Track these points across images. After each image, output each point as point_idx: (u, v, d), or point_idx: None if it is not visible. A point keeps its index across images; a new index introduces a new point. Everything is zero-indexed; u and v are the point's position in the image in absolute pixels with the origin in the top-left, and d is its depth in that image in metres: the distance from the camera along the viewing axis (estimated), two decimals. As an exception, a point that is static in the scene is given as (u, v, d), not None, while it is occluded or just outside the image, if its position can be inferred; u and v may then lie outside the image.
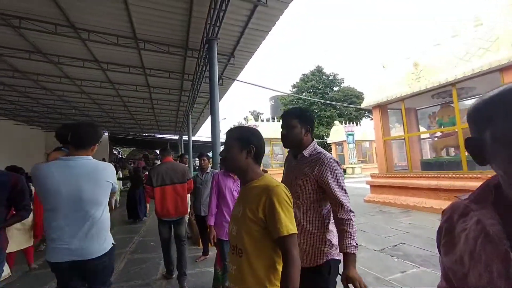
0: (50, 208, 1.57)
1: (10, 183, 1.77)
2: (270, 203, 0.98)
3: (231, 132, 1.15)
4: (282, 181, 1.65)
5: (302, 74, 32.12)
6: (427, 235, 4.37)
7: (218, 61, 4.91)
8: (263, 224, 0.99)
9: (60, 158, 1.66)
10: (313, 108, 28.22)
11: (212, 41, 4.75)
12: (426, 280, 2.85)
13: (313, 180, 1.41)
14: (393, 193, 7.28)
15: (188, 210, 3.89)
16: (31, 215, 3.27)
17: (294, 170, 1.52)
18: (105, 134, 19.21)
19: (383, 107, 8.30)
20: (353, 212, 1.37)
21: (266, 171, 2.45)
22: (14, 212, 1.92)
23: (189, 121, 10.80)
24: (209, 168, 4.00)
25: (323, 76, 31.11)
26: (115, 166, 9.10)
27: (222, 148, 1.22)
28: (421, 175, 6.80)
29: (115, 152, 22.49)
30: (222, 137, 3.08)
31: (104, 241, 1.65)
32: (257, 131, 1.17)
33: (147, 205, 7.39)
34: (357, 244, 1.30)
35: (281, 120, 1.59)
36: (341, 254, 1.42)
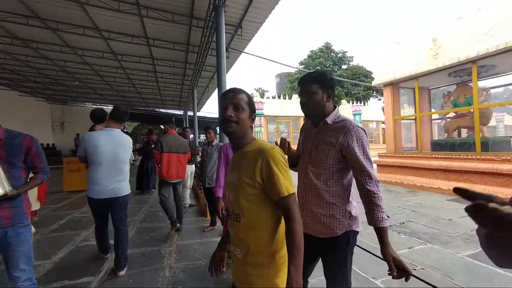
0: (97, 163, 2.45)
1: (24, 145, 1.69)
2: (267, 166, 0.96)
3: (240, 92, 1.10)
4: (298, 151, 1.57)
5: (310, 51, 30.87)
6: (435, 214, 4.36)
7: (225, 32, 4.65)
8: (260, 187, 0.98)
9: (104, 129, 2.54)
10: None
11: (219, 7, 4.44)
12: (433, 256, 2.86)
13: (337, 149, 1.31)
14: (401, 173, 7.22)
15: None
16: None
17: (314, 139, 1.42)
18: (109, 107, 19.12)
19: (395, 85, 7.98)
20: (380, 183, 1.29)
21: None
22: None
23: (194, 96, 10.58)
24: (215, 141, 3.95)
25: (332, 54, 29.87)
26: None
27: None
28: (431, 156, 6.67)
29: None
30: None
31: (127, 186, 2.65)
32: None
33: (156, 177, 7.49)
34: (388, 216, 1.24)
35: (299, 87, 1.46)
36: (359, 226, 1.38)
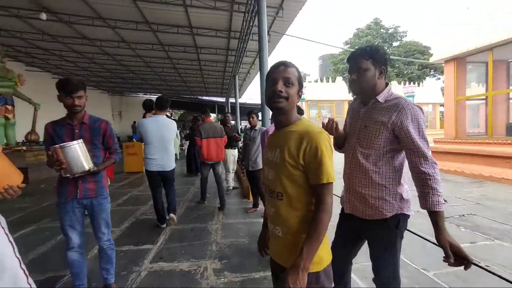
0: (149, 143, 3.26)
1: (102, 128, 1.98)
2: (313, 150, 0.93)
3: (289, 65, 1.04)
4: (345, 130, 1.51)
5: (356, 29, 28.56)
6: (508, 208, 3.81)
7: (266, 14, 4.56)
8: (303, 169, 0.96)
9: (152, 116, 3.38)
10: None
11: (261, -11, 4.35)
12: (502, 253, 2.54)
13: (389, 129, 1.23)
14: (462, 161, 6.41)
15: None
16: None
17: (363, 118, 1.34)
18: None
19: (459, 60, 6.96)
20: (437, 164, 1.18)
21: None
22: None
23: (235, 82, 10.77)
24: (258, 126, 4.01)
25: (381, 30, 27.09)
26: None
27: None
28: (506, 142, 5.74)
29: (167, 114, 24.24)
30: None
31: (172, 162, 3.42)
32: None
33: (200, 160, 8.02)
34: (445, 200, 1.14)
35: (348, 63, 1.37)
36: (411, 210, 1.29)
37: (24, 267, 1.41)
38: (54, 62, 11.20)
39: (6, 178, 1.24)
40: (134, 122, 17.45)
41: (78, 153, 1.69)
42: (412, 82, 19.08)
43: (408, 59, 20.86)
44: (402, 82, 19.20)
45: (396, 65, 24.41)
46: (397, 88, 18.10)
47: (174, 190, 3.56)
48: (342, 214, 1.46)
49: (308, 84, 18.07)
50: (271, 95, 0.99)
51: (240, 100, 13.34)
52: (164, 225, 3.49)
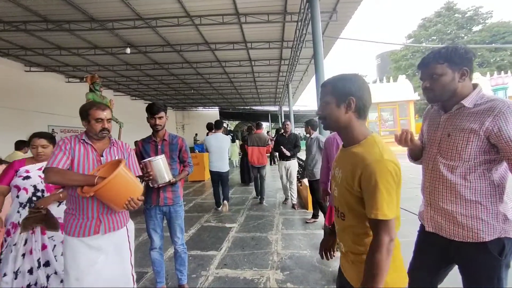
0: (211, 152, 4.73)
1: (179, 144, 2.24)
2: (367, 180, 0.85)
3: (325, 85, 1.00)
4: (421, 140, 1.35)
5: (422, 19, 25.56)
6: None
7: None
8: (359, 194, 0.90)
9: (212, 134, 4.84)
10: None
11: (314, -3, 4.34)
12: None
13: (481, 137, 1.05)
14: None
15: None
16: None
17: (444, 126, 1.19)
18: (216, 109, 22.16)
19: None
20: None
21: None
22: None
23: (289, 90, 10.82)
24: (314, 134, 3.91)
25: (456, 15, 23.51)
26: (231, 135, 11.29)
27: None
28: None
29: (224, 125, 25.80)
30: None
31: (226, 166, 4.81)
32: (357, 76, 0.97)
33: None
34: None
35: (419, 71, 1.23)
36: None
37: (134, 274, 1.68)
38: (133, 86, 13.18)
39: (130, 191, 1.40)
40: (196, 134, 19.08)
41: (161, 166, 1.95)
42: (502, 72, 15.80)
43: (493, 45, 17.50)
44: (488, 73, 16.16)
45: (479, 53, 20.66)
46: (481, 81, 15.37)
47: (227, 186, 4.93)
48: (422, 232, 1.29)
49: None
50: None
51: (294, 108, 13.31)
52: (220, 207, 4.85)
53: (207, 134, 5.39)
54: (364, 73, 46.80)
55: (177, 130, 21.67)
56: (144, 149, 2.17)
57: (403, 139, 1.26)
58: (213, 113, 22.40)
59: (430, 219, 1.22)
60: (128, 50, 7.59)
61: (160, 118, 2.11)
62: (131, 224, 1.69)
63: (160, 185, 1.99)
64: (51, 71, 9.69)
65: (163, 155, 2.01)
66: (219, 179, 4.74)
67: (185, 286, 2.28)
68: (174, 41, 7.73)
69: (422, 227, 1.30)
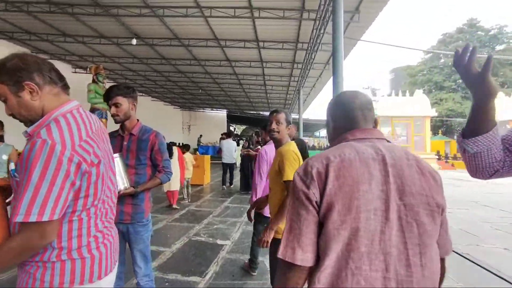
0: (224, 151, 7.54)
1: (150, 140, 1.64)
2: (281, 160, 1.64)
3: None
4: None
5: (442, 34, 24.82)
6: None
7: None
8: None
9: (226, 140, 7.77)
10: (457, 76, 21.50)
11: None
12: None
13: None
14: None
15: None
16: (177, 165, 5.09)
17: None
18: (224, 112, 21.74)
19: None
20: None
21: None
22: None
23: (300, 96, 10.25)
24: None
25: (479, 32, 22.74)
26: (236, 140, 11.56)
27: None
28: None
29: (231, 129, 25.36)
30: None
31: (234, 160, 7.87)
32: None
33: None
34: None
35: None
36: None
37: None
38: (140, 82, 12.85)
39: None
40: (200, 136, 18.70)
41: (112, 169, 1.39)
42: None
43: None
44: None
45: (501, 72, 19.85)
46: (505, 101, 14.52)
47: (232, 174, 7.40)
48: None
49: (381, 98, 16.19)
50: (269, 130, 1.75)
51: (303, 116, 12.72)
52: (225, 187, 6.35)
53: (223, 139, 8.22)
54: (377, 87, 46.00)
55: (182, 130, 21.31)
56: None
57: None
58: (220, 115, 21.96)
59: None
60: (134, 41, 7.21)
61: (116, 105, 1.55)
62: None
63: None
64: (57, 59, 9.39)
65: (117, 154, 1.46)
66: (227, 167, 7.34)
67: (148, 333, 1.69)
68: (182, 34, 7.31)
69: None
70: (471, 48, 0.71)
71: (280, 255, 0.66)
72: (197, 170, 7.94)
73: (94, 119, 0.97)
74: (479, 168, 0.77)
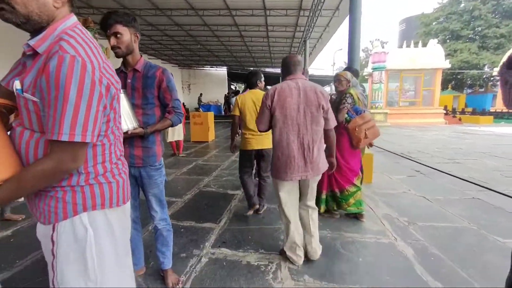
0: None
1: (156, 76, 1.48)
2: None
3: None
4: None
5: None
6: None
7: None
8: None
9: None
10: (477, 23, 19.84)
11: None
12: None
13: None
14: None
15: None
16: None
17: None
18: (224, 69, 20.82)
19: None
20: None
21: None
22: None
23: (306, 47, 9.60)
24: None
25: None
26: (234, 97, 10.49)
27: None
28: None
29: (232, 87, 24.56)
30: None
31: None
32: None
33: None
34: None
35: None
36: None
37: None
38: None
39: None
40: (201, 94, 18.29)
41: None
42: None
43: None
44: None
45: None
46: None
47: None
48: None
49: (390, 50, 15.14)
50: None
51: (309, 71, 12.11)
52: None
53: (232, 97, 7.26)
54: (384, 40, 43.17)
55: (182, 89, 20.71)
56: None
57: None
58: (220, 73, 21.11)
59: None
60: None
61: (115, 35, 1.33)
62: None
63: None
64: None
65: (122, 90, 1.31)
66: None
67: (168, 272, 1.71)
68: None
69: None
70: None
71: (257, 127, 1.86)
72: (200, 127, 7.84)
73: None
74: None
